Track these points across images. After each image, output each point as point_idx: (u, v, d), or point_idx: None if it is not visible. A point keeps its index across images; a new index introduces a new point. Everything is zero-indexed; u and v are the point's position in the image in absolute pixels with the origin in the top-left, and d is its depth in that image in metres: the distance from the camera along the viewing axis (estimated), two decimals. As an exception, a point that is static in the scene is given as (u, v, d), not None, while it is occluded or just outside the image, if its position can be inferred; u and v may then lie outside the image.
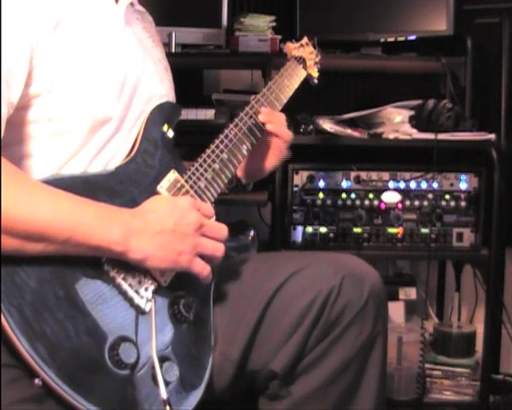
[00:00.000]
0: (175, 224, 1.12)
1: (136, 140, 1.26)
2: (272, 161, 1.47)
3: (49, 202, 1.04)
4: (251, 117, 1.39)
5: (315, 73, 1.65)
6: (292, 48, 1.63)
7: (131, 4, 1.34)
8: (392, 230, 2.23)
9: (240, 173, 1.49)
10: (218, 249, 1.18)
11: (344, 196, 2.22)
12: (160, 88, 1.35)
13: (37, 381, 0.99)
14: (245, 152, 1.36)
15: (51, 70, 1.14)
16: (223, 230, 1.19)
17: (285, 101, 1.49)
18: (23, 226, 1.01)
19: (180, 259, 1.12)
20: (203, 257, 1.16)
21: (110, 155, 1.23)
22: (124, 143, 1.25)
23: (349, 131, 2.25)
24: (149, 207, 1.14)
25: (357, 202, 2.23)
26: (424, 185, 2.24)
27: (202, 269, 1.15)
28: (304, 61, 1.61)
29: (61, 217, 1.03)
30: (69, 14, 1.18)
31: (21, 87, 1.11)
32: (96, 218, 1.06)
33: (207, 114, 2.27)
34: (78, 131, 1.18)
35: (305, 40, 1.66)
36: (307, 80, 1.64)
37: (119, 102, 1.23)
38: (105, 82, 1.20)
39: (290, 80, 1.53)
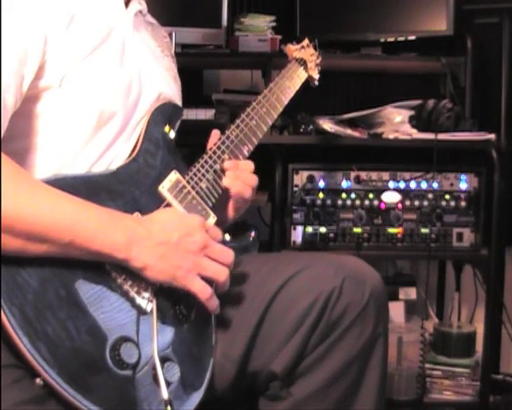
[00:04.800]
0: (179, 238, 1.12)
1: (137, 140, 1.26)
2: (228, 216, 1.38)
3: (52, 203, 1.04)
4: (252, 118, 1.39)
5: (316, 75, 1.65)
6: (293, 49, 1.62)
7: (142, 14, 1.35)
8: (392, 230, 2.23)
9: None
10: (221, 273, 1.16)
11: (344, 196, 2.22)
12: (168, 91, 1.35)
13: (38, 380, 0.99)
14: (246, 153, 1.36)
15: (62, 64, 1.14)
16: (228, 255, 1.17)
17: (286, 102, 1.49)
18: (25, 226, 1.01)
19: (177, 274, 1.12)
20: (208, 281, 1.15)
21: (113, 156, 1.23)
22: (126, 143, 1.25)
23: (349, 131, 2.25)
24: (157, 218, 1.14)
25: (357, 202, 2.22)
26: (424, 185, 2.24)
27: (201, 290, 1.14)
28: (305, 63, 1.61)
29: (64, 219, 1.03)
30: (82, 11, 1.19)
31: (31, 79, 1.12)
32: (99, 222, 1.06)
33: (207, 114, 2.28)
34: (83, 128, 1.18)
35: (305, 42, 1.65)
36: (308, 82, 1.64)
37: (127, 100, 1.23)
38: (112, 80, 1.21)
39: (291, 82, 1.53)
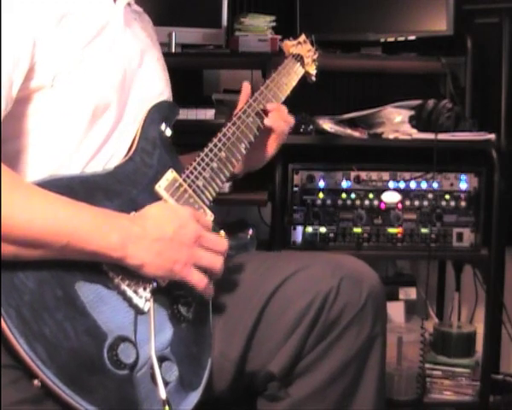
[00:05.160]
0: (173, 232, 1.12)
1: (134, 139, 1.26)
2: (268, 154, 1.50)
3: (46, 208, 1.03)
4: (249, 115, 1.39)
5: (313, 71, 1.65)
6: (289, 45, 1.63)
7: (128, 4, 1.35)
8: (392, 230, 2.23)
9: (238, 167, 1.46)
10: (216, 262, 1.16)
11: (344, 196, 2.22)
12: (159, 85, 1.36)
13: (36, 382, 0.99)
14: (243, 150, 1.36)
15: (53, 64, 1.14)
16: (222, 243, 1.18)
17: (283, 98, 1.50)
18: (20, 233, 1.00)
19: (175, 268, 1.12)
20: (202, 270, 1.15)
21: (108, 155, 1.23)
22: (122, 142, 1.25)
23: (349, 131, 2.25)
24: (149, 214, 1.14)
25: (357, 202, 2.22)
26: (424, 185, 2.24)
27: (198, 280, 1.14)
28: (301, 59, 1.61)
29: (59, 223, 1.03)
30: (72, 9, 1.18)
31: (21, 83, 1.11)
32: (94, 223, 1.06)
33: (207, 114, 2.27)
34: (77, 125, 1.18)
35: (302, 38, 1.65)
36: (305, 78, 1.64)
37: (120, 94, 1.23)
38: (105, 76, 1.21)
39: (288, 78, 1.54)
